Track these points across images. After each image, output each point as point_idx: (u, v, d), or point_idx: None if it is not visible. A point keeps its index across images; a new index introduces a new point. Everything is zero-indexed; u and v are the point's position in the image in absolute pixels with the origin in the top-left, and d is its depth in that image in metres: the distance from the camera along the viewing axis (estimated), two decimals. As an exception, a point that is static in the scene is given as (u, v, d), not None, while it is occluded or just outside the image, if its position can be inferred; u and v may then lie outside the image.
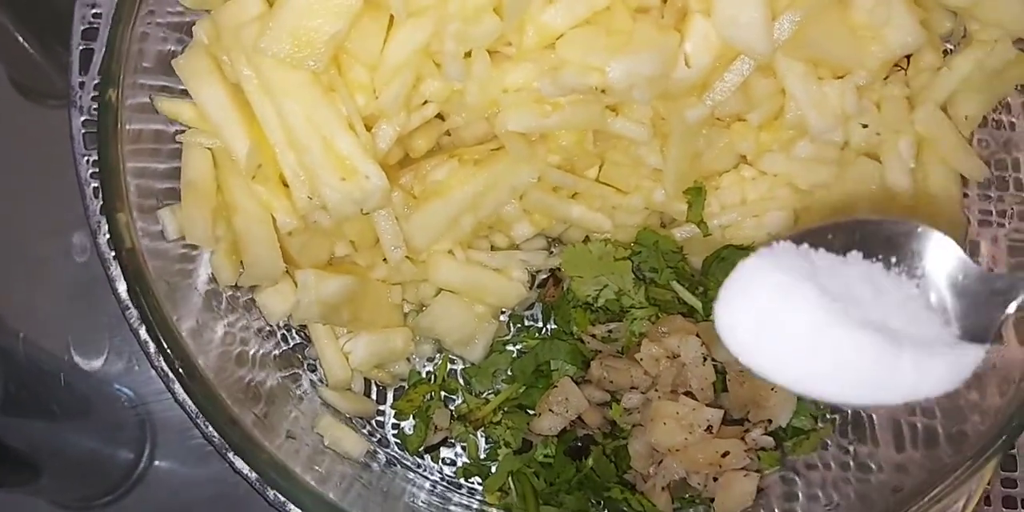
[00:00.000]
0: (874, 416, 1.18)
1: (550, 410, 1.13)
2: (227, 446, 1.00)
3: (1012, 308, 0.78)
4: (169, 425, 1.39)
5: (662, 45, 0.99)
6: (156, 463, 1.40)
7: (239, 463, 1.18)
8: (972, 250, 1.16)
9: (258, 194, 1.03)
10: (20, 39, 1.54)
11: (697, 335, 1.10)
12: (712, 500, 1.09)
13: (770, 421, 1.09)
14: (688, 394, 1.09)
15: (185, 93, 1.06)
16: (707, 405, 1.09)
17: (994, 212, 1.16)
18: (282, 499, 1.15)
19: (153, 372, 1.37)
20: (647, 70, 0.98)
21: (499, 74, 1.03)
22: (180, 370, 0.94)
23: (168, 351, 0.95)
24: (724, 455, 1.05)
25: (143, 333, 1.23)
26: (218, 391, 0.97)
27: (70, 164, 1.43)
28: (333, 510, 0.95)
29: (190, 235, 1.02)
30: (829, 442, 1.18)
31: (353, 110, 1.02)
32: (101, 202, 1.24)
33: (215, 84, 1.01)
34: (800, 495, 1.16)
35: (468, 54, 1.01)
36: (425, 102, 1.08)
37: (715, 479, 1.08)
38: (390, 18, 1.00)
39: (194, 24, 1.08)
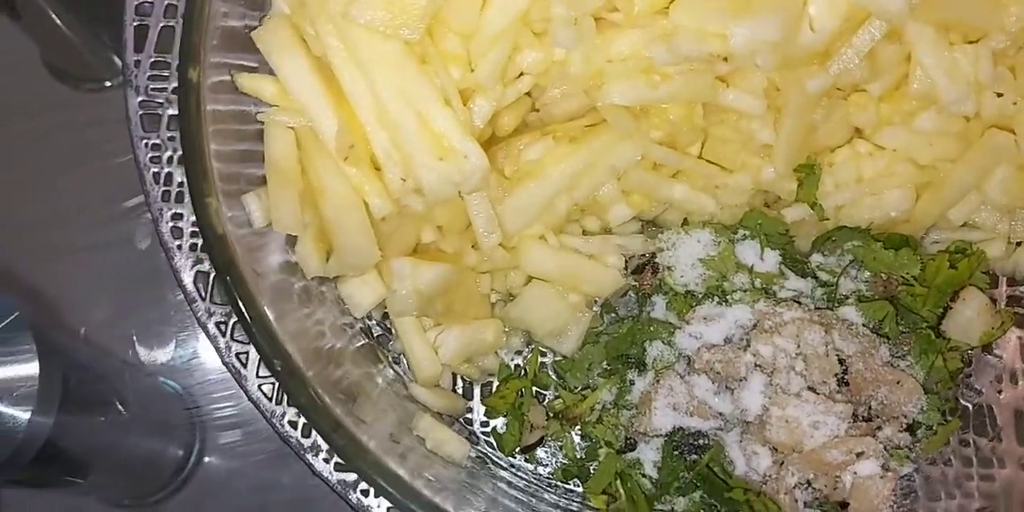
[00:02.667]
0: (996, 409, 1.11)
1: (657, 407, 1.05)
2: (322, 445, 0.93)
3: None
4: (221, 428, 1.34)
5: (785, 7, 0.91)
6: (205, 460, 1.35)
7: (319, 465, 1.12)
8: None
9: (348, 176, 0.95)
10: (58, 22, 1.48)
11: (818, 323, 1.02)
12: (843, 504, 1.01)
13: (905, 416, 1.01)
14: (809, 388, 1.01)
15: (258, 71, 0.99)
16: (830, 399, 1.01)
17: None
18: (365, 503, 1.09)
19: (209, 370, 1.35)
20: (770, 34, 0.91)
21: (604, 42, 0.96)
22: (280, 369, 0.86)
23: (267, 350, 0.87)
24: (858, 455, 0.97)
25: (212, 327, 1.16)
26: (319, 391, 0.89)
27: (115, 150, 1.39)
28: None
29: (278, 222, 0.95)
30: (950, 438, 1.10)
31: (449, 83, 0.94)
32: (164, 188, 1.18)
33: (299, 57, 0.94)
34: (920, 494, 1.08)
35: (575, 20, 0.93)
36: (520, 74, 1.00)
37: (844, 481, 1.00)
38: (489, -18, 0.92)
39: (263, -3, 1.01)
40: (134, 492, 1.35)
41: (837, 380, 1.02)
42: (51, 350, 1.18)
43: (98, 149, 1.40)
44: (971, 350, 1.10)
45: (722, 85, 1.01)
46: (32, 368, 1.04)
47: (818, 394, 0.99)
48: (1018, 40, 0.98)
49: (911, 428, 1.03)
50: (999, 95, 1.00)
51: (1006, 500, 1.04)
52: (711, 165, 1.09)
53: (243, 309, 0.87)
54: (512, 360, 1.16)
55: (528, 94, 1.06)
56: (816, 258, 1.10)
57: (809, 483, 0.99)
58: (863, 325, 1.05)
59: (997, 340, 1.10)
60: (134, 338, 1.33)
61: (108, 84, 1.47)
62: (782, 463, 0.99)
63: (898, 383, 1.01)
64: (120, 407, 1.33)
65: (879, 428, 1.00)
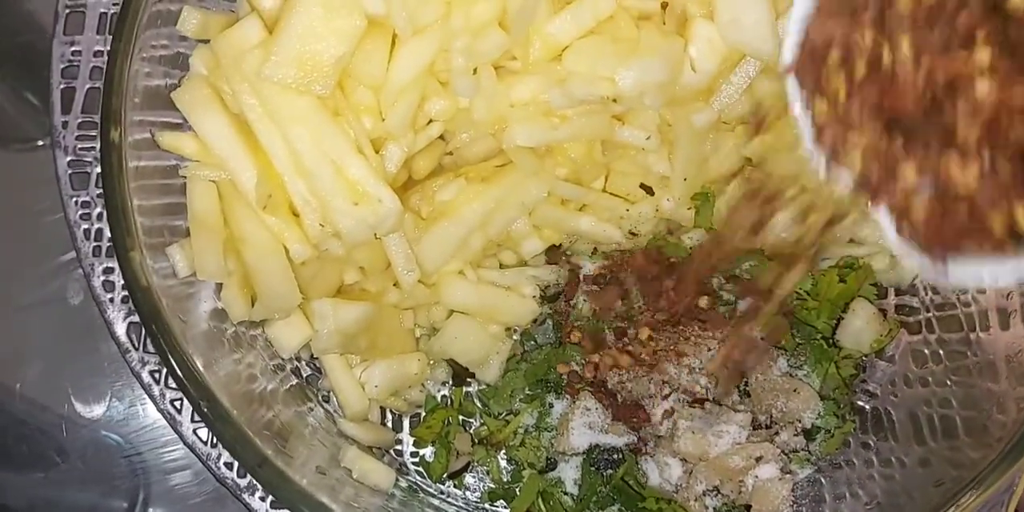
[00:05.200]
0: (893, 411, 1.18)
1: (573, 427, 1.11)
2: (258, 485, 0.97)
3: None
4: (162, 473, 1.36)
5: (668, 51, 0.99)
6: (150, 509, 1.36)
7: (255, 504, 1.16)
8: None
9: (268, 224, 1.00)
10: (-17, 86, 1.51)
11: (716, 340, 1.09)
12: (747, 507, 1.08)
13: (799, 421, 1.08)
14: (713, 400, 1.09)
15: (180, 127, 1.04)
16: (732, 410, 1.08)
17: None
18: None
19: (146, 419, 1.38)
20: (656, 77, 0.98)
21: (505, 89, 1.02)
22: (206, 410, 0.91)
23: (192, 391, 0.91)
24: (757, 459, 1.04)
25: (145, 376, 1.21)
26: (245, 429, 0.93)
27: (45, 209, 1.42)
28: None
29: (201, 270, 0.99)
30: (851, 441, 1.18)
31: (361, 133, 1.00)
32: (95, 244, 1.22)
33: (217, 114, 0.99)
34: (828, 496, 1.15)
35: (474, 70, 1.00)
36: (430, 121, 1.07)
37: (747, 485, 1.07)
38: (393, 37, 0.99)
39: (179, 57, 1.06)
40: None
41: (739, 391, 1.09)
42: (-13, 408, 1.21)
43: (28, 209, 1.43)
44: (864, 357, 1.18)
45: (618, 123, 1.08)
46: (-31, 427, 1.07)
47: (721, 405, 1.06)
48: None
49: (809, 433, 1.10)
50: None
51: (909, 501, 1.11)
52: (614, 197, 1.16)
53: (168, 355, 0.92)
54: (438, 391, 1.21)
55: (442, 138, 1.13)
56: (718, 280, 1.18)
57: (717, 489, 1.06)
58: (761, 339, 1.12)
59: (887, 346, 1.18)
60: (69, 392, 1.36)
61: (40, 143, 1.49)
62: (691, 472, 1.06)
63: (795, 391, 1.08)
64: (59, 461, 1.36)
65: (776, 433, 1.07)
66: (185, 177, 1.04)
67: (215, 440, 1.15)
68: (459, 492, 1.18)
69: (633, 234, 1.17)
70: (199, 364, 0.98)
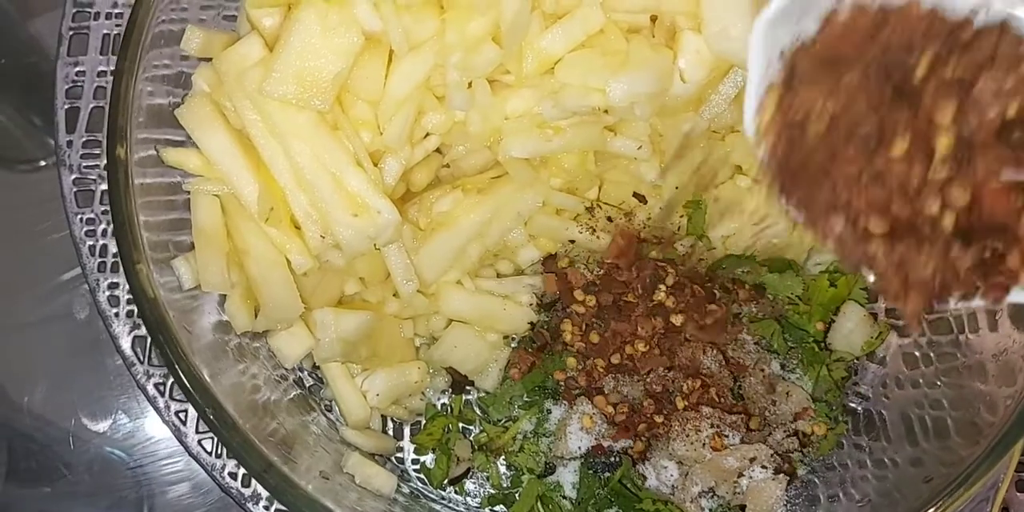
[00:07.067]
0: (885, 412, 1.20)
1: (571, 432, 1.13)
2: (265, 490, 0.99)
3: None
4: (166, 485, 1.37)
5: (657, 62, 1.02)
6: (155, 522, 1.38)
7: (260, 513, 1.18)
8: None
9: (270, 237, 1.03)
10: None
11: (711, 344, 1.12)
12: (742, 508, 1.10)
13: (792, 421, 1.10)
14: (707, 403, 1.11)
15: (184, 144, 1.07)
16: (727, 412, 1.10)
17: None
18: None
19: (150, 432, 1.39)
20: (645, 87, 1.01)
21: (499, 102, 1.05)
22: (212, 417, 0.93)
23: (198, 399, 0.94)
24: (751, 460, 1.06)
25: (151, 388, 1.23)
26: (251, 436, 0.95)
27: (49, 228, 1.44)
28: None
29: (206, 282, 1.02)
30: (844, 442, 1.19)
31: (359, 147, 1.03)
32: (100, 260, 1.24)
33: (220, 130, 1.01)
34: (822, 496, 1.17)
35: (469, 84, 1.03)
36: (427, 135, 1.09)
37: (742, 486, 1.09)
38: (389, 53, 1.02)
39: (181, 76, 1.09)
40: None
41: (732, 394, 1.11)
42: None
43: (33, 228, 1.45)
44: (856, 359, 1.20)
45: (610, 134, 1.11)
46: (-23, 442, 1.08)
47: (715, 409, 1.08)
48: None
49: (803, 434, 1.12)
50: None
51: (901, 497, 1.13)
52: (608, 207, 1.19)
53: (175, 364, 0.94)
54: (438, 399, 1.23)
55: (439, 151, 1.15)
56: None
57: (712, 490, 1.08)
58: (754, 343, 1.15)
59: (878, 348, 1.21)
60: (76, 406, 1.38)
61: (42, 163, 1.51)
62: (687, 474, 1.08)
63: (787, 394, 1.10)
64: (66, 475, 1.38)
65: (770, 434, 1.09)
66: (189, 193, 1.07)
67: (220, 450, 1.17)
68: (460, 497, 1.20)
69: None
70: (205, 374, 1.00)
